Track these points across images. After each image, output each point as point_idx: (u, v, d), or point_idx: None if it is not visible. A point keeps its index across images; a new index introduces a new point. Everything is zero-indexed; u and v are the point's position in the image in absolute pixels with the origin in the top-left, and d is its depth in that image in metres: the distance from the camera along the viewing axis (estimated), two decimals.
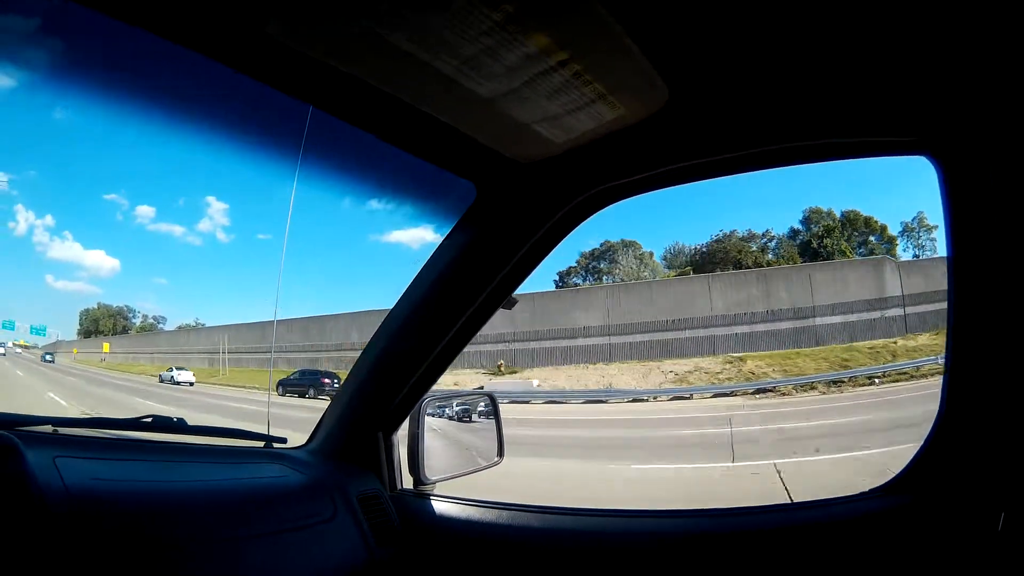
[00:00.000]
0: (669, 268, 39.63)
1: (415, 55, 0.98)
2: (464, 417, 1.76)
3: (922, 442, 1.34)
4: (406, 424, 1.55)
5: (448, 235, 1.42)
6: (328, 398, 22.56)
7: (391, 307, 1.48)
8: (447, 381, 26.40)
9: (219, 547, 1.11)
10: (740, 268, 33.76)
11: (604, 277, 40.45)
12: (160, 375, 31.79)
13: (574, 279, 40.98)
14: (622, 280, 37.78)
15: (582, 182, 1.34)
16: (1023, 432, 1.17)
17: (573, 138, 1.24)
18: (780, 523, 1.41)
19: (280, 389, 27.29)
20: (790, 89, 1.18)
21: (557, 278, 40.82)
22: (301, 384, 26.91)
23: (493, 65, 1.00)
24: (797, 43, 1.06)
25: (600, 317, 29.38)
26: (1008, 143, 1.13)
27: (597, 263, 41.42)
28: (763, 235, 39.74)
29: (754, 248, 38.89)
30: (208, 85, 1.16)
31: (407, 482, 1.57)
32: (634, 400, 22.40)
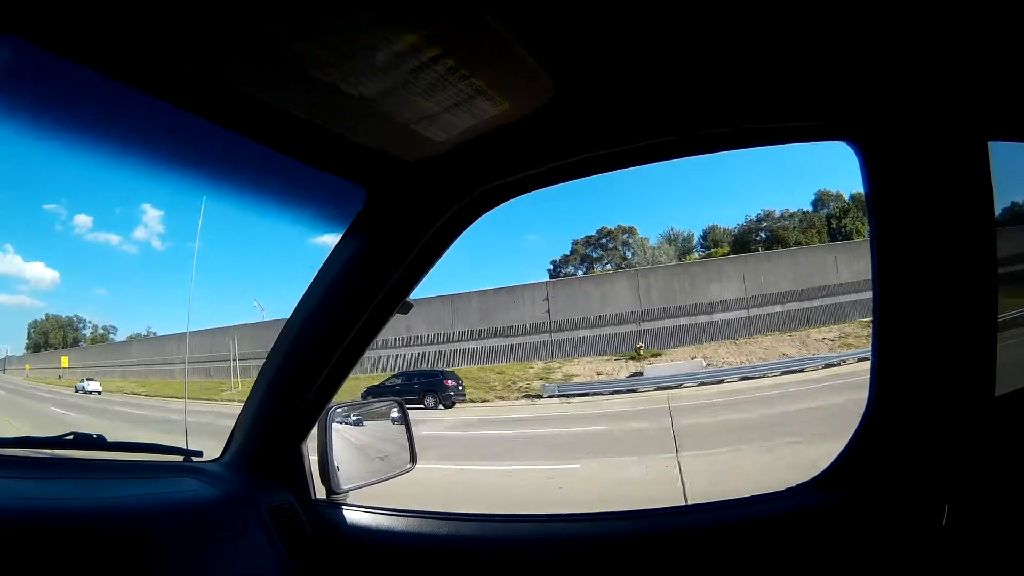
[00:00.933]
0: (704, 250, 39.33)
1: (295, 62, 0.98)
2: (375, 422, 1.75)
3: (851, 435, 1.31)
4: (316, 433, 1.53)
5: (341, 240, 1.41)
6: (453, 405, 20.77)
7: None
8: (588, 371, 25.42)
9: (133, 563, 1.11)
10: (785, 247, 33.38)
11: (605, 263, 39.93)
12: (75, 386, 31.83)
13: (569, 267, 40.54)
14: (632, 265, 37.18)
15: (471, 180, 1.33)
16: (957, 422, 1.16)
17: (458, 135, 1.22)
18: (708, 522, 1.39)
19: (369, 399, 21.82)
20: (695, 75, 1.16)
21: (552, 267, 40.83)
22: (408, 391, 20.78)
23: (367, 65, 0.99)
24: (701, 26, 1.04)
25: (737, 289, 27.88)
26: (926, 127, 1.13)
27: (593, 250, 41.12)
28: (791, 215, 39.76)
29: (791, 227, 38.81)
30: (111, 104, 1.16)
31: (321, 492, 1.55)
32: (827, 365, 21.22)
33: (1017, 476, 1.14)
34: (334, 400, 1.53)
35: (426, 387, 21.49)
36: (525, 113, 1.18)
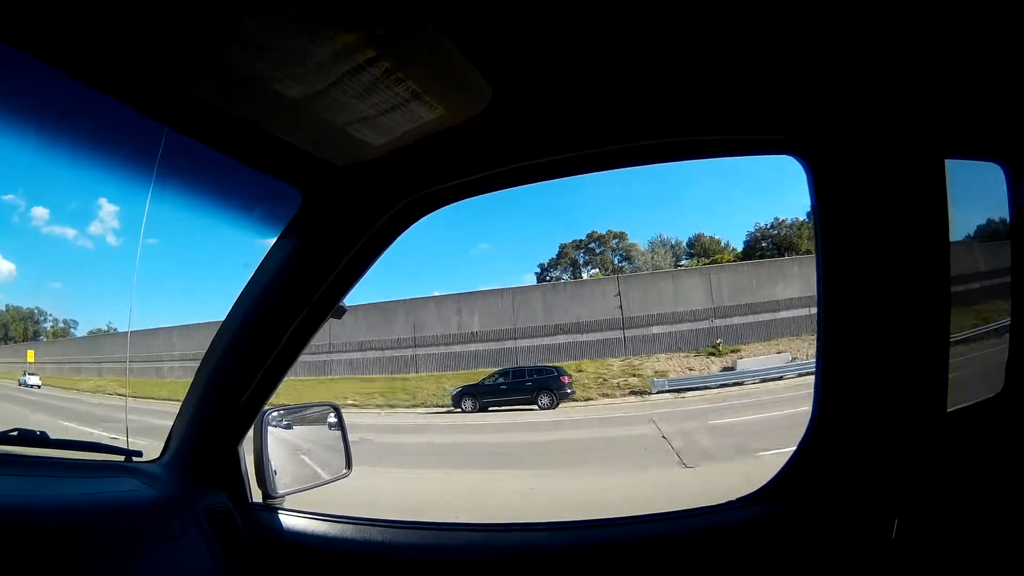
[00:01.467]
0: (689, 258, 38.44)
1: (229, 59, 0.97)
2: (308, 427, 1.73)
3: (795, 449, 1.31)
4: (251, 436, 1.53)
5: (276, 242, 1.40)
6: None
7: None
8: (678, 367, 24.46)
9: (67, 564, 1.10)
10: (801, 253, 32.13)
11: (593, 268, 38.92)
12: (19, 380, 31.26)
13: (556, 272, 39.46)
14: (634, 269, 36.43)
15: (406, 185, 1.32)
16: (907, 437, 1.16)
17: (393, 140, 1.21)
18: (649, 534, 1.37)
19: (466, 402, 19.12)
20: (638, 85, 1.15)
21: (539, 270, 39.75)
22: (518, 390, 18.60)
23: (301, 65, 0.98)
24: (638, 35, 1.02)
25: (799, 288, 26.35)
26: (881, 145, 1.13)
27: (581, 254, 39.93)
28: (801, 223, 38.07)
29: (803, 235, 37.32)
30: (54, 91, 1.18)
31: (258, 495, 1.54)
32: None
33: (968, 490, 1.16)
34: (270, 403, 1.52)
35: (540, 384, 19.01)
36: (462, 119, 1.17)
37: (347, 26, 0.90)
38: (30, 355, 39.91)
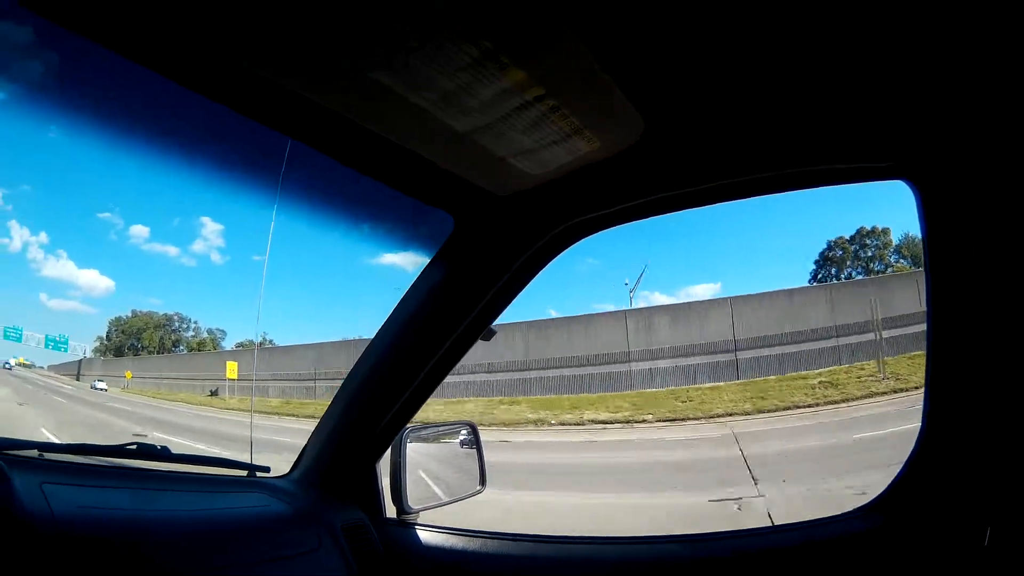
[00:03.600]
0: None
1: (393, 90, 0.98)
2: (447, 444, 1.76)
3: (903, 465, 1.33)
4: (389, 454, 1.55)
5: (427, 266, 1.43)
6: None
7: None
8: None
9: None
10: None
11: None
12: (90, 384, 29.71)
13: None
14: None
15: (558, 215, 1.35)
16: (1005, 449, 1.18)
17: (549, 171, 1.24)
18: (756, 547, 1.41)
19: None
20: (765, 119, 1.19)
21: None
22: None
23: (470, 100, 1.00)
24: (772, 72, 1.06)
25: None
26: (982, 165, 1.14)
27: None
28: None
29: None
30: (190, 115, 1.17)
31: (391, 511, 1.57)
32: None
33: None
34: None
35: None
36: (615, 151, 1.21)
37: (519, 64, 0.93)
38: (127, 374, 36.83)
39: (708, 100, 1.13)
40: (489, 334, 1.44)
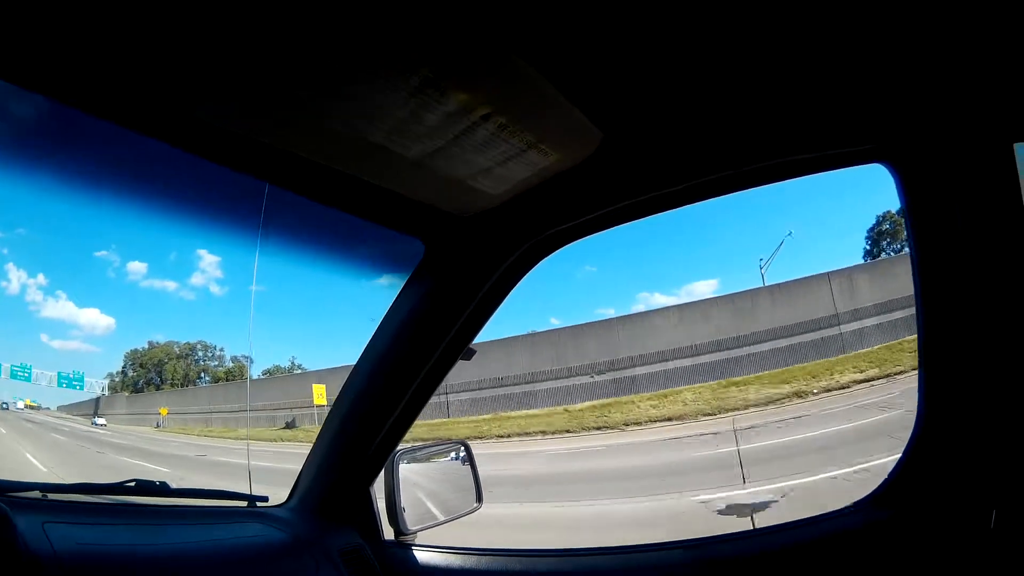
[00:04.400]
0: None
1: (348, 131, 1.02)
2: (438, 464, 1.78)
3: (901, 454, 1.32)
4: (383, 476, 1.57)
5: (401, 292, 1.45)
6: None
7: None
8: None
9: None
10: None
11: None
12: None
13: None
14: None
15: (525, 230, 1.36)
16: (1008, 432, 1.16)
17: (511, 187, 1.25)
18: (758, 548, 1.40)
19: None
20: (733, 113, 1.18)
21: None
22: None
23: (418, 127, 1.02)
24: (736, 62, 1.05)
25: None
26: (962, 145, 1.13)
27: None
28: None
29: None
30: (174, 168, 1.21)
31: (389, 533, 1.59)
32: None
33: None
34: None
35: None
36: (575, 162, 1.21)
37: (460, 87, 0.95)
38: (163, 411, 34.24)
39: (668, 101, 1.13)
40: (469, 353, 1.46)
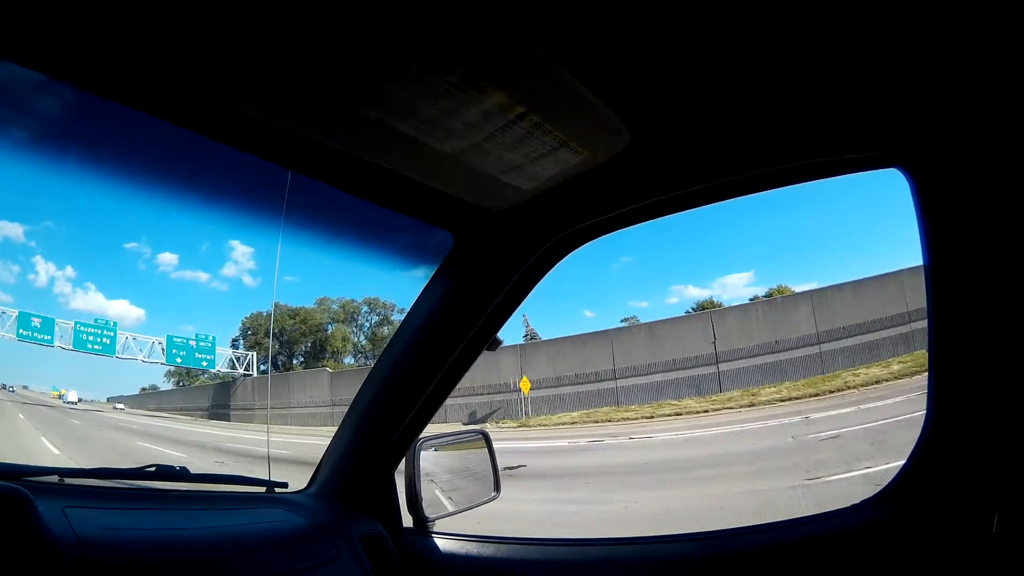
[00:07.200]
0: None
1: (380, 122, 1.03)
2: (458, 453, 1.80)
3: (909, 454, 1.33)
4: (403, 465, 1.59)
5: (429, 282, 1.48)
6: None
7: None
8: None
9: None
10: None
11: None
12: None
13: None
14: None
15: (553, 225, 1.39)
16: (1012, 437, 1.17)
17: (540, 183, 1.28)
18: (767, 543, 1.43)
19: None
20: (755, 116, 1.20)
21: None
22: None
23: (454, 124, 1.05)
24: (759, 68, 1.08)
25: None
26: (977, 150, 1.14)
27: None
28: None
29: None
30: (194, 154, 1.22)
31: (408, 521, 1.61)
32: None
33: None
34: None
35: None
36: (603, 160, 1.24)
37: (498, 86, 0.97)
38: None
39: (693, 102, 1.15)
40: (495, 344, 1.48)
